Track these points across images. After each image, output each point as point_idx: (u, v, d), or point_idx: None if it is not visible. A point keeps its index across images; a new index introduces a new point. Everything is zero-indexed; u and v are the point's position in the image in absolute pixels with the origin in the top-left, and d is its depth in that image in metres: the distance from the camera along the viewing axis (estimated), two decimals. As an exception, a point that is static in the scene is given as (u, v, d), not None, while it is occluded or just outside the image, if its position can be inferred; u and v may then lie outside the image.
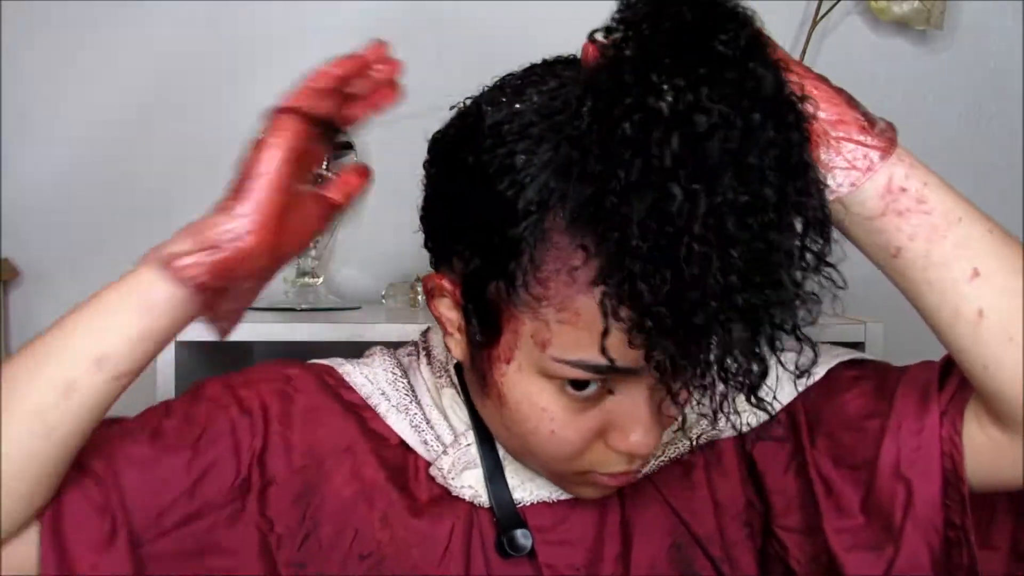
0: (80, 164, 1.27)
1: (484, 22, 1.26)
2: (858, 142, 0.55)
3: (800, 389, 0.69)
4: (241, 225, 0.58)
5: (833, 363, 0.70)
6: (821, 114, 0.54)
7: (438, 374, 0.71)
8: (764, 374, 0.51)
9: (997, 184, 1.30)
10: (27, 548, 0.59)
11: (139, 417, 0.68)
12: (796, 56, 1.24)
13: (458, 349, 0.66)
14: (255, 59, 1.27)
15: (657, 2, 0.49)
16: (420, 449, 0.70)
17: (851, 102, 0.56)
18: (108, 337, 0.58)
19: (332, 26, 1.27)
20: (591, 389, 0.59)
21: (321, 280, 1.22)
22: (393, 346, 0.77)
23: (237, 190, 0.59)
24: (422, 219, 0.66)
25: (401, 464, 0.70)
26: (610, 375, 0.57)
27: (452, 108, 0.65)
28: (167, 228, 1.32)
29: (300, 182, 0.61)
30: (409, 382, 0.72)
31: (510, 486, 0.69)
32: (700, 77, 0.47)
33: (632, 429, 0.60)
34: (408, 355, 0.75)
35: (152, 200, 1.27)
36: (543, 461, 0.65)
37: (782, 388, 0.68)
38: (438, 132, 0.65)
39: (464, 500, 0.69)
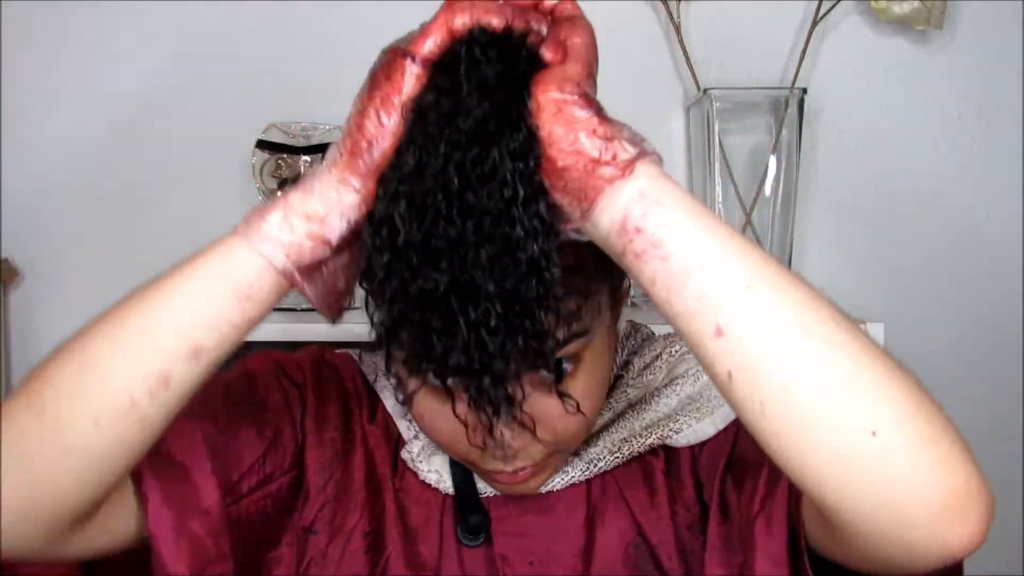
0: (81, 164, 1.27)
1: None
2: (584, 173, 0.49)
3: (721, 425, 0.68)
4: (355, 200, 0.52)
5: None
6: (560, 140, 0.49)
7: None
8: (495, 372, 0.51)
9: (997, 184, 1.30)
10: (121, 508, 0.60)
11: (200, 396, 0.69)
12: (796, 56, 1.24)
13: None
14: (257, 58, 1.27)
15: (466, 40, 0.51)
16: (403, 426, 0.74)
17: (600, 131, 0.49)
18: (204, 328, 0.52)
19: (342, 28, 1.27)
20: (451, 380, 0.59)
21: (321, 280, 1.22)
22: None
23: (352, 153, 0.52)
24: None
25: (396, 449, 0.74)
26: None
27: None
28: (167, 228, 1.33)
29: None
30: None
31: (475, 475, 0.71)
32: (419, 107, 0.50)
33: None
34: None
35: (153, 200, 1.27)
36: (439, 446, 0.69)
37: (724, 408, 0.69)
38: None
39: (430, 487, 0.71)
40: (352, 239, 0.53)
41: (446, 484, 0.71)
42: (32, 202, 1.27)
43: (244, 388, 0.70)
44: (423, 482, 0.72)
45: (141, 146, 1.27)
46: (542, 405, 0.62)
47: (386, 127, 0.51)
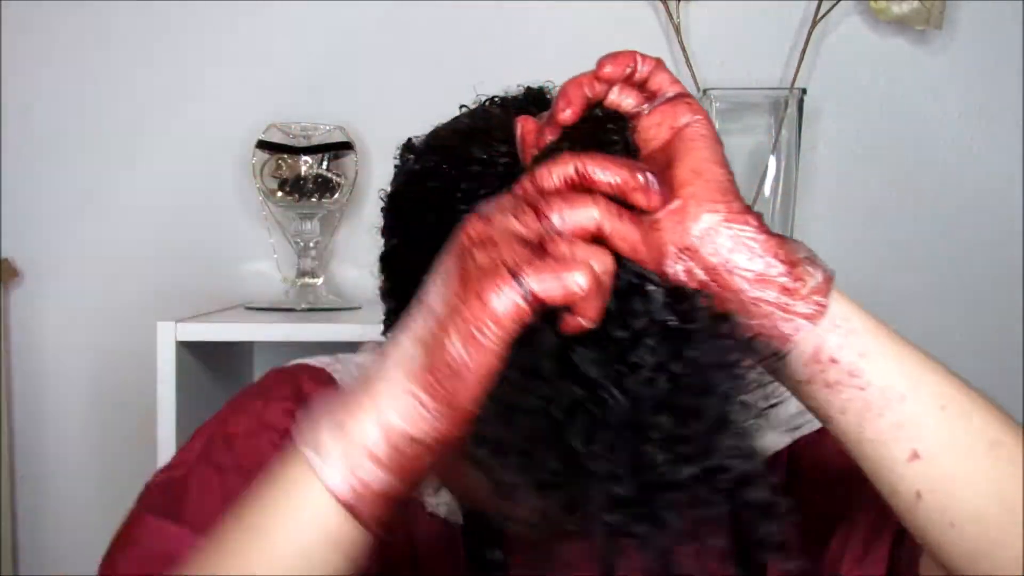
0: (81, 164, 1.27)
1: (488, 22, 1.26)
2: (777, 305, 0.45)
3: (788, 441, 0.67)
4: (434, 430, 0.43)
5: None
6: (741, 270, 0.46)
7: None
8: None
9: (997, 185, 1.30)
10: None
11: (198, 492, 0.62)
12: (796, 56, 1.24)
13: None
14: (257, 58, 1.27)
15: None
16: None
17: (781, 254, 0.46)
18: None
19: (343, 28, 1.27)
20: None
21: (321, 280, 1.22)
22: None
23: (427, 370, 0.42)
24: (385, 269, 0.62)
25: None
26: None
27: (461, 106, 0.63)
28: (168, 228, 1.32)
29: None
30: None
31: None
32: None
33: None
34: None
35: (153, 200, 1.27)
36: None
37: (767, 436, 0.68)
38: (391, 193, 0.62)
39: (438, 517, 0.67)
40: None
41: (456, 516, 0.67)
42: (32, 202, 1.27)
43: (233, 466, 0.63)
44: (430, 513, 0.67)
45: (141, 146, 1.27)
46: None
47: (474, 360, 0.41)
